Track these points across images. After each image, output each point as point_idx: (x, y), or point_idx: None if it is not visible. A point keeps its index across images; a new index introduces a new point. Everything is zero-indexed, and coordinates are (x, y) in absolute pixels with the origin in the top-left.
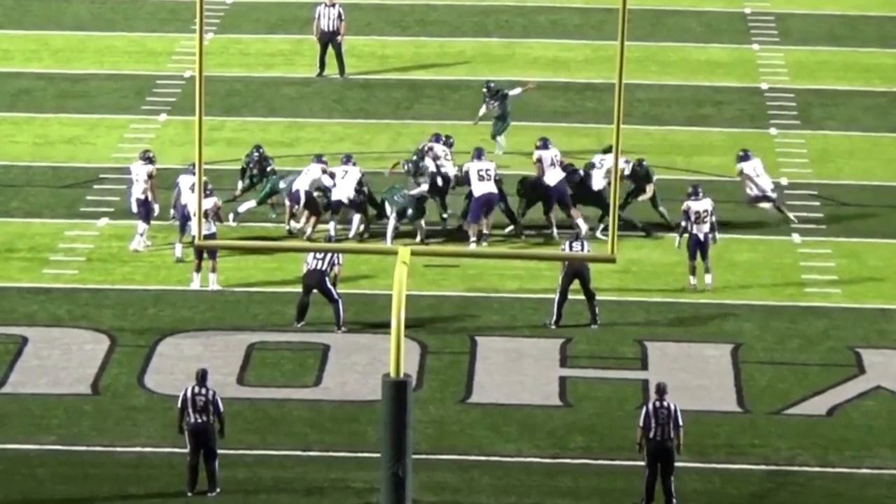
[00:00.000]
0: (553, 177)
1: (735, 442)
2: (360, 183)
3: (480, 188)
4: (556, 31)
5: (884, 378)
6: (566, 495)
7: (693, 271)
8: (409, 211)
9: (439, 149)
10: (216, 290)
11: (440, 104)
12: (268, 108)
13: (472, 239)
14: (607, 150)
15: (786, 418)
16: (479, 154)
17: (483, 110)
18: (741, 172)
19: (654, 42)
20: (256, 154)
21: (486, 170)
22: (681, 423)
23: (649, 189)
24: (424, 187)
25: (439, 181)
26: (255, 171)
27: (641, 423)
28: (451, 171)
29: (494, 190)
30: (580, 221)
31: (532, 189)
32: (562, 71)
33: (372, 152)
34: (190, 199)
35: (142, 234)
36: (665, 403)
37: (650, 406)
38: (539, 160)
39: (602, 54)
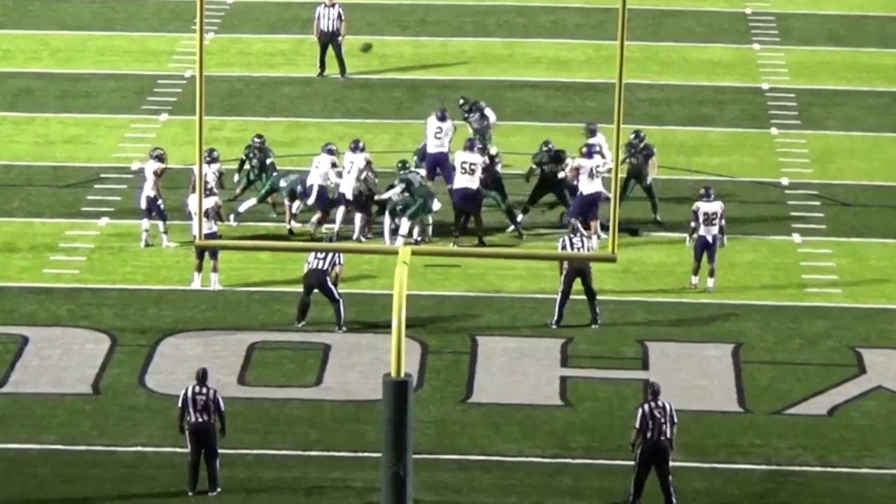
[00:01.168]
0: (590, 187)
1: (736, 442)
2: (367, 169)
3: (458, 181)
4: (556, 31)
5: (885, 378)
6: (567, 495)
7: (696, 271)
8: (399, 208)
9: (430, 127)
10: (217, 289)
11: (440, 104)
12: (268, 107)
13: (455, 234)
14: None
15: (786, 418)
16: (470, 145)
17: (470, 128)
18: (601, 149)
19: (655, 42)
20: (257, 141)
21: (471, 163)
22: (675, 420)
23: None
24: (398, 188)
25: (415, 181)
26: (254, 163)
27: (638, 425)
28: (437, 148)
29: (472, 186)
30: (595, 238)
31: (554, 160)
32: (562, 71)
33: (373, 152)
34: (193, 197)
35: (165, 233)
36: (660, 403)
37: (646, 407)
38: (577, 168)
39: (603, 54)
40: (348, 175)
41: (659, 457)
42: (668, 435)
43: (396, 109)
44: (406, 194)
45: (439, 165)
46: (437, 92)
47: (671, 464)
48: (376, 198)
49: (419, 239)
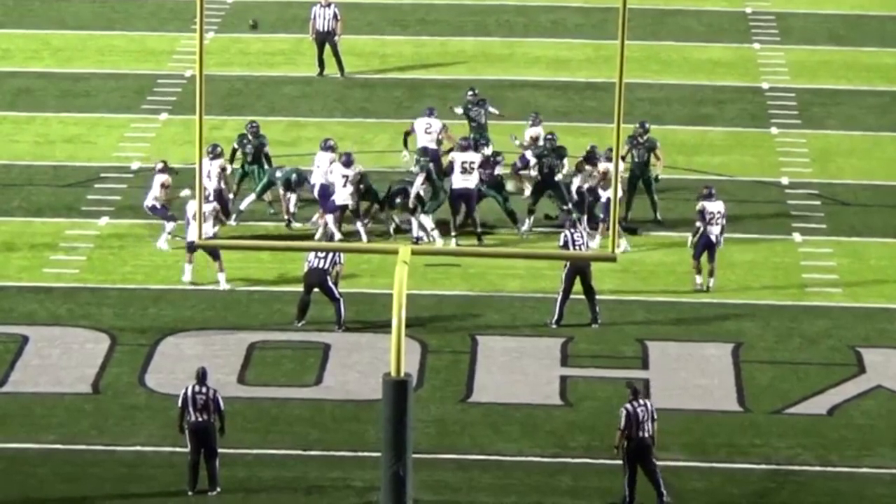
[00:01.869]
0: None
1: (735, 441)
2: (360, 182)
3: (457, 181)
4: (556, 31)
5: (884, 377)
6: (566, 494)
7: (699, 270)
8: (398, 200)
9: (420, 124)
10: (226, 288)
11: (440, 103)
12: (268, 107)
13: (452, 234)
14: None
15: (786, 418)
16: (466, 144)
17: (459, 110)
18: (536, 138)
19: (655, 41)
20: (252, 127)
21: (470, 162)
22: (656, 417)
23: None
24: (420, 179)
25: (433, 170)
26: (247, 149)
27: (622, 426)
28: (429, 143)
29: (470, 185)
30: (598, 238)
31: (555, 153)
32: (562, 71)
33: (373, 152)
34: (191, 202)
35: (168, 233)
36: (642, 402)
37: (629, 407)
38: (605, 173)
39: (603, 54)
40: (342, 189)
41: (642, 454)
42: (651, 432)
43: (396, 109)
44: (426, 184)
45: (433, 161)
46: (437, 91)
47: (659, 462)
48: (410, 203)
49: (419, 237)
